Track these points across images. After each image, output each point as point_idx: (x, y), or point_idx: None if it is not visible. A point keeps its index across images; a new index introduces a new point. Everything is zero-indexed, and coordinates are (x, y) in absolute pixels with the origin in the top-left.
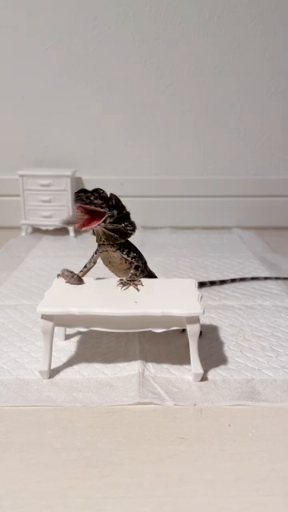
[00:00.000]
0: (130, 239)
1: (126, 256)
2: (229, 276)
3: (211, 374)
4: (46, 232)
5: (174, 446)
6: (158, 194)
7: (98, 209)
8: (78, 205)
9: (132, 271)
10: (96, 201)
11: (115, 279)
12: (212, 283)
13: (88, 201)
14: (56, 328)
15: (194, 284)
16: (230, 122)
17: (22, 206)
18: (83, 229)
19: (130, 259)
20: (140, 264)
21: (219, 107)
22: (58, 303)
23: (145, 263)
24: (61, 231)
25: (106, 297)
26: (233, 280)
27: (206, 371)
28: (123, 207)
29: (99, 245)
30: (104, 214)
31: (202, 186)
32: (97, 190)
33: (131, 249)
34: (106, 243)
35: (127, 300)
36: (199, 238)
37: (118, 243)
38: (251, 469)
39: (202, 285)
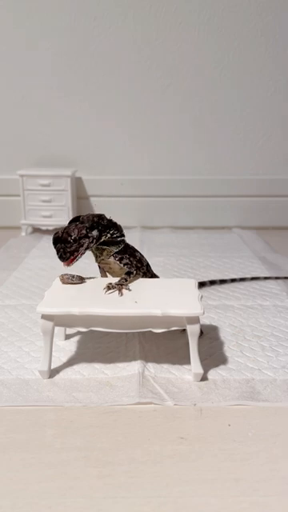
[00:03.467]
0: (128, 242)
1: (118, 262)
2: (229, 276)
3: (211, 374)
4: (46, 232)
5: (174, 445)
6: (157, 194)
7: (80, 248)
8: (64, 263)
9: (123, 275)
10: (74, 244)
11: (115, 279)
12: (212, 283)
13: (68, 255)
14: (56, 328)
15: (194, 284)
16: (229, 122)
17: (22, 206)
18: (71, 265)
19: (121, 265)
20: (132, 270)
21: (219, 107)
22: (58, 303)
23: (147, 265)
24: None
25: (106, 297)
26: (233, 280)
27: (205, 371)
28: (102, 218)
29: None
30: (83, 244)
31: (202, 186)
32: (71, 225)
33: (124, 255)
34: (105, 259)
35: (127, 300)
36: (199, 238)
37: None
38: (251, 469)
39: (201, 285)
